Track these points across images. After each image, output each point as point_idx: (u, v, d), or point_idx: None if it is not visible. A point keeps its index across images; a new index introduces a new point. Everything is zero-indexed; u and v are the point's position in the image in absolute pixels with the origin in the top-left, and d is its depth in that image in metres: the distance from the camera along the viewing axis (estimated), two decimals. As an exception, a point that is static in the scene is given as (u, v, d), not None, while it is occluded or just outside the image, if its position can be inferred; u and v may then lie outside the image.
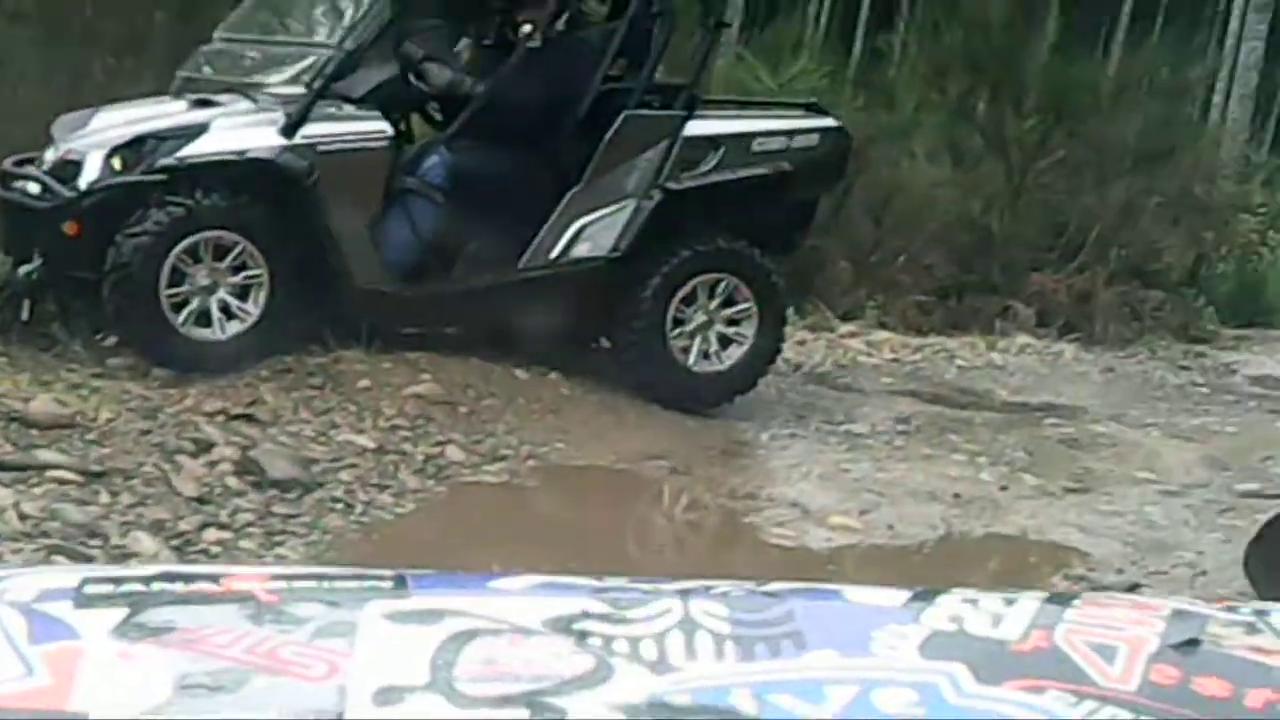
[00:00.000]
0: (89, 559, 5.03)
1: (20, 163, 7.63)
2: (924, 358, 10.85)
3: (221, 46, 8.32)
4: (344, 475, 6.41)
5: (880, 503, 7.02)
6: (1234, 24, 21.85)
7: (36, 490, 5.60)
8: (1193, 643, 1.41)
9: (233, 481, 6.06)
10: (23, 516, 5.32)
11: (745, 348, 8.24)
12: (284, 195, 7.39)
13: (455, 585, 1.48)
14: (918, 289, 12.70)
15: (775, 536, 6.54)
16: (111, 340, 7.32)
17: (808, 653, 1.36)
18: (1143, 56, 16.27)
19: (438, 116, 8.35)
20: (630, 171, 8.06)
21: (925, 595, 1.48)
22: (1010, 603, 1.47)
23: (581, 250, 8.01)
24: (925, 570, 6.36)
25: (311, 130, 7.50)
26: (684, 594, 1.44)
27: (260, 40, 8.40)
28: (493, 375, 7.75)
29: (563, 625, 1.37)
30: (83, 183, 7.27)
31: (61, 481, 5.70)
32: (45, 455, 5.93)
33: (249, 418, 6.77)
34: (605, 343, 8.36)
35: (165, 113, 7.63)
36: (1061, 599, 1.52)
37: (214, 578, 1.46)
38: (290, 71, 7.87)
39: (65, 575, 1.48)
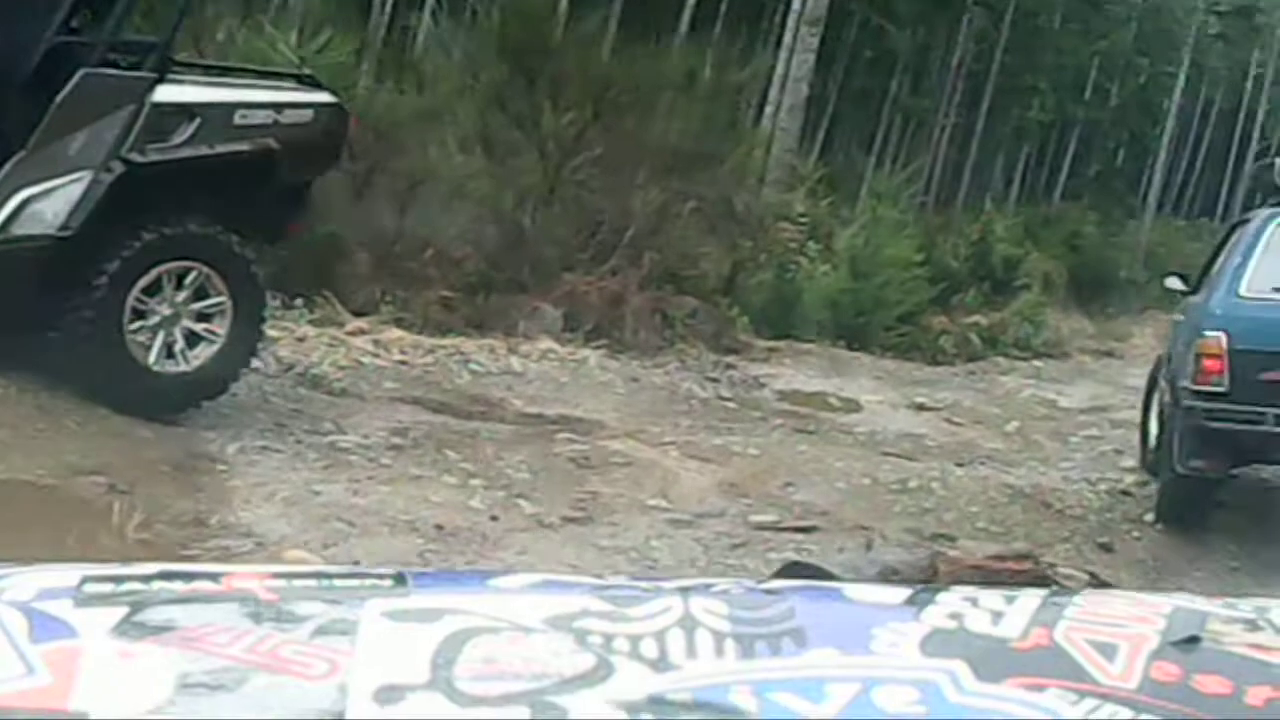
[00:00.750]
0: None
1: None
2: (437, 361, 10.01)
3: None
4: None
5: (350, 533, 6.14)
6: (787, 37, 21.96)
7: None
8: (1193, 640, 1.41)
9: None
10: None
11: (216, 346, 7.28)
12: None
13: (455, 583, 1.51)
14: (443, 284, 11.97)
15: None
16: None
17: (808, 650, 1.37)
18: (688, 59, 15.87)
19: None
20: (87, 139, 6.99)
21: (925, 593, 1.48)
22: (1010, 600, 1.47)
23: (24, 227, 6.91)
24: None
25: None
26: (684, 592, 1.44)
27: None
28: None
29: (563, 623, 1.36)
30: None
31: None
32: None
33: None
34: (51, 334, 7.17)
35: None
36: (1062, 596, 1.52)
37: (214, 576, 1.45)
38: None
39: (65, 574, 1.43)
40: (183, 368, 7.21)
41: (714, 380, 11.58)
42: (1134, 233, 33.11)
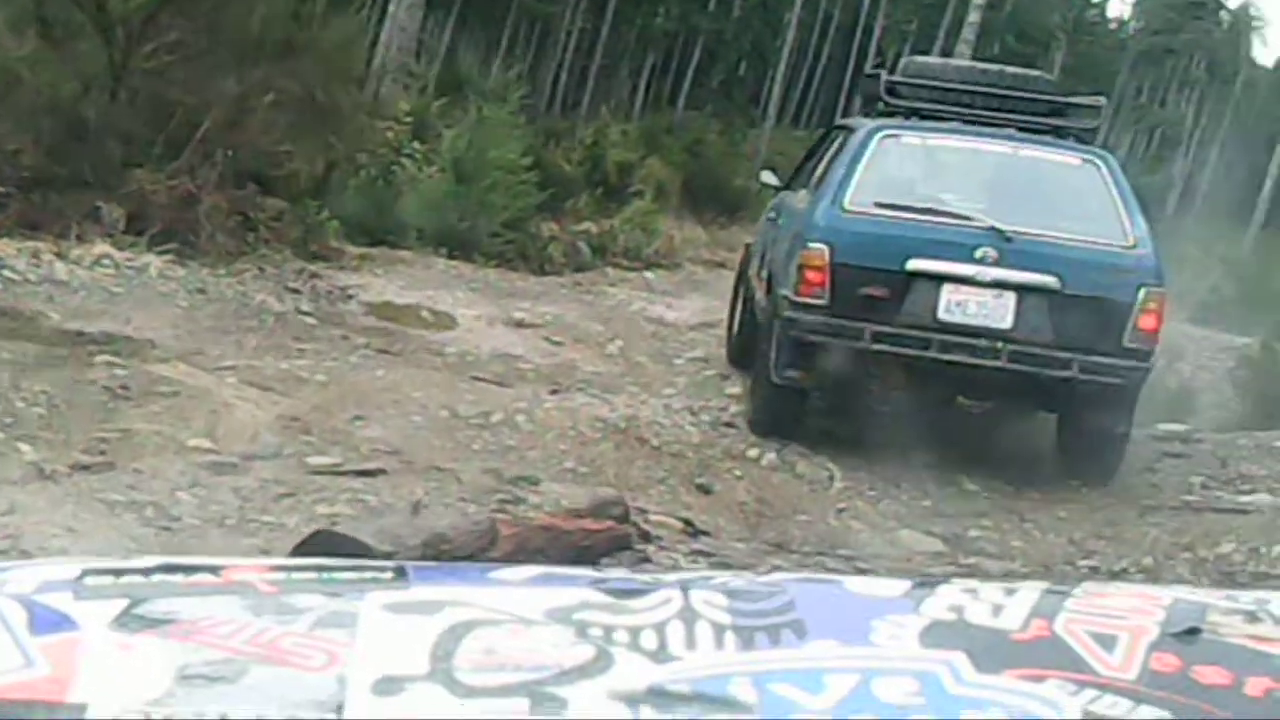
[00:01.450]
0: None
1: None
2: (-38, 266, 8.76)
3: None
4: None
5: None
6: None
7: None
8: (1193, 631, 1.40)
9: None
10: None
11: None
12: None
13: (455, 576, 1.51)
14: (-4, 180, 10.65)
15: None
16: None
17: (808, 642, 1.36)
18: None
19: None
20: None
21: (925, 584, 1.47)
22: (1010, 592, 1.45)
23: None
24: None
25: None
26: (684, 584, 1.42)
27: None
28: None
29: (563, 615, 1.36)
30: None
31: None
32: None
33: None
34: None
35: None
36: (1062, 588, 1.49)
37: (214, 569, 1.43)
38: None
39: (65, 567, 1.42)
40: None
41: (295, 291, 10.55)
42: (754, 141, 33.14)
